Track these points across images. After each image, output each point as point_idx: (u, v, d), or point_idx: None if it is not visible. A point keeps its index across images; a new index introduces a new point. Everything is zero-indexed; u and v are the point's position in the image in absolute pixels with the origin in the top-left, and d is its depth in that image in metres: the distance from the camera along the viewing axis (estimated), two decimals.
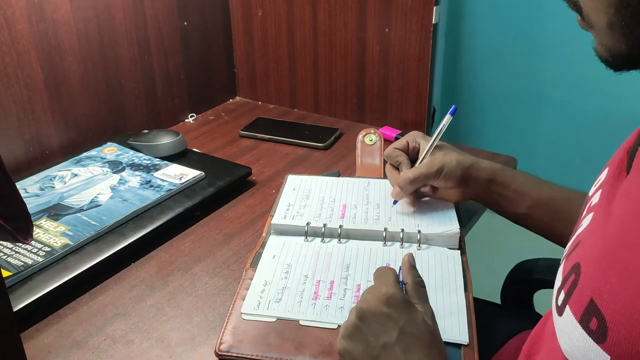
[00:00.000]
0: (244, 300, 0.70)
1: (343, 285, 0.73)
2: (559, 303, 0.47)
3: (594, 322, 0.42)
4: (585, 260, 0.46)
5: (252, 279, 0.74)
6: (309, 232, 0.82)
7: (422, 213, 0.85)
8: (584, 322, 0.43)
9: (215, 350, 0.64)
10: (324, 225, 0.82)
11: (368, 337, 0.55)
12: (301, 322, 0.67)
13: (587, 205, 0.54)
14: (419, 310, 0.56)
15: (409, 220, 0.84)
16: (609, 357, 0.41)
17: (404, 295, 0.57)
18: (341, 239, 0.81)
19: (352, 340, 0.56)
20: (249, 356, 0.63)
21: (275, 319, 0.67)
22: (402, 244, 0.80)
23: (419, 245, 0.80)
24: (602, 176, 0.55)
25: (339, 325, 0.66)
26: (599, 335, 0.41)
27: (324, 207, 0.88)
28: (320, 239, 0.82)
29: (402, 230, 0.80)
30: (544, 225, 0.81)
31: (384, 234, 0.80)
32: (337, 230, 0.81)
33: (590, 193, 0.55)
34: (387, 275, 0.59)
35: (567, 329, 0.45)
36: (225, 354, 0.64)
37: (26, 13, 0.95)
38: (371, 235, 0.81)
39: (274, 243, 0.81)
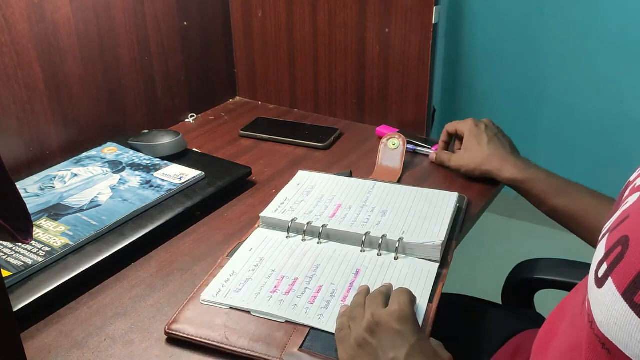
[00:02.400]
0: (207, 287, 0.73)
1: (305, 284, 0.73)
2: (600, 275, 0.46)
3: None
4: (636, 234, 0.45)
5: (222, 268, 0.76)
6: (291, 229, 0.82)
7: (415, 220, 0.83)
8: (627, 295, 0.42)
9: (164, 329, 0.67)
10: (308, 223, 0.82)
11: (377, 351, 0.58)
12: (252, 313, 0.69)
13: (630, 187, 0.53)
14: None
15: (397, 225, 0.82)
16: None
17: (415, 315, 0.62)
18: (321, 240, 0.81)
19: (361, 351, 0.59)
20: (192, 338, 0.66)
21: (228, 307, 0.70)
22: (379, 252, 0.79)
23: (397, 255, 0.78)
24: None
25: (286, 320, 0.67)
26: None
27: (319, 205, 0.88)
28: (301, 237, 0.82)
29: (383, 236, 0.79)
30: (564, 224, 0.89)
31: (363, 239, 0.79)
32: (319, 229, 0.81)
33: (632, 178, 0.55)
34: (403, 295, 0.63)
35: (606, 302, 0.44)
36: (173, 333, 0.67)
37: (26, 13, 0.95)
38: (351, 239, 0.80)
39: (256, 236, 0.83)
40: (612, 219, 0.51)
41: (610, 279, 0.44)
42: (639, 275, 0.42)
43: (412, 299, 0.63)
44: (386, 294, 0.66)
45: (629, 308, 0.42)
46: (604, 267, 0.46)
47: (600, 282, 0.46)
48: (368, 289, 0.68)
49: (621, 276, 0.43)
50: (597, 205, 0.84)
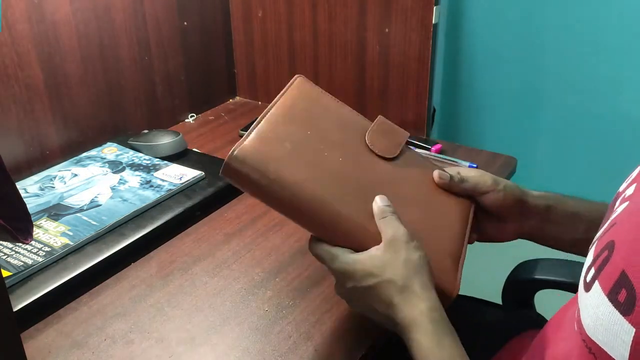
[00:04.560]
0: None
1: None
2: (588, 280, 0.47)
3: (623, 294, 0.41)
4: (620, 237, 0.45)
5: None
6: None
7: None
8: (612, 294, 0.42)
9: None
10: None
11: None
12: None
13: (620, 198, 0.54)
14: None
15: None
16: (634, 331, 0.40)
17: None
18: None
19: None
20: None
21: None
22: None
23: None
24: (635, 173, 0.55)
25: None
26: (626, 307, 0.41)
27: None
28: None
29: None
30: None
31: None
32: None
33: (621, 189, 0.56)
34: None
35: (593, 303, 0.45)
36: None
37: (26, 14, 0.94)
38: None
39: None
40: (602, 227, 0.52)
41: (596, 282, 0.45)
42: (623, 274, 0.42)
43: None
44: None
45: (613, 308, 0.42)
46: (592, 271, 0.46)
47: (588, 287, 0.46)
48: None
49: (606, 278, 0.44)
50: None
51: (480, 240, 0.78)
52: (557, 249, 0.79)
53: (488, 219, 0.76)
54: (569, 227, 0.75)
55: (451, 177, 0.73)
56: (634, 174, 0.55)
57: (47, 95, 1.01)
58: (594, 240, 0.52)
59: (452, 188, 0.74)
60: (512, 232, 0.77)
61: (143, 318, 0.72)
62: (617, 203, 0.53)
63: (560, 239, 0.77)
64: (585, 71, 1.94)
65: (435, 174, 0.74)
